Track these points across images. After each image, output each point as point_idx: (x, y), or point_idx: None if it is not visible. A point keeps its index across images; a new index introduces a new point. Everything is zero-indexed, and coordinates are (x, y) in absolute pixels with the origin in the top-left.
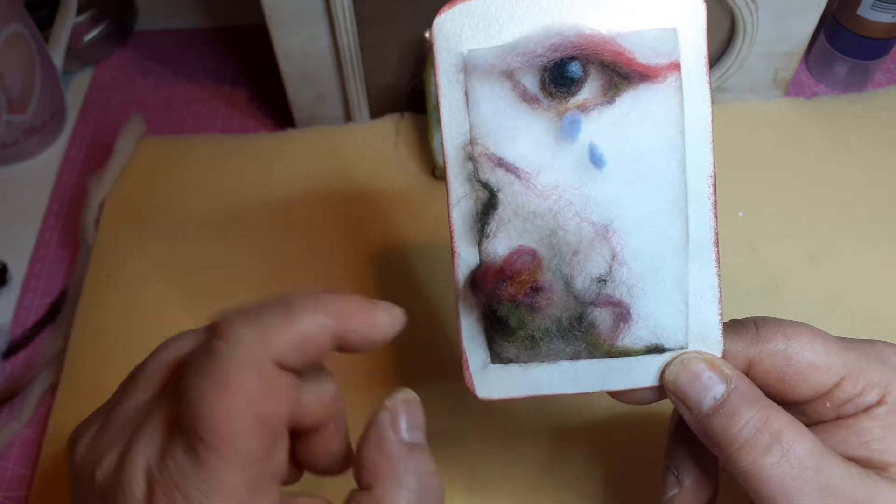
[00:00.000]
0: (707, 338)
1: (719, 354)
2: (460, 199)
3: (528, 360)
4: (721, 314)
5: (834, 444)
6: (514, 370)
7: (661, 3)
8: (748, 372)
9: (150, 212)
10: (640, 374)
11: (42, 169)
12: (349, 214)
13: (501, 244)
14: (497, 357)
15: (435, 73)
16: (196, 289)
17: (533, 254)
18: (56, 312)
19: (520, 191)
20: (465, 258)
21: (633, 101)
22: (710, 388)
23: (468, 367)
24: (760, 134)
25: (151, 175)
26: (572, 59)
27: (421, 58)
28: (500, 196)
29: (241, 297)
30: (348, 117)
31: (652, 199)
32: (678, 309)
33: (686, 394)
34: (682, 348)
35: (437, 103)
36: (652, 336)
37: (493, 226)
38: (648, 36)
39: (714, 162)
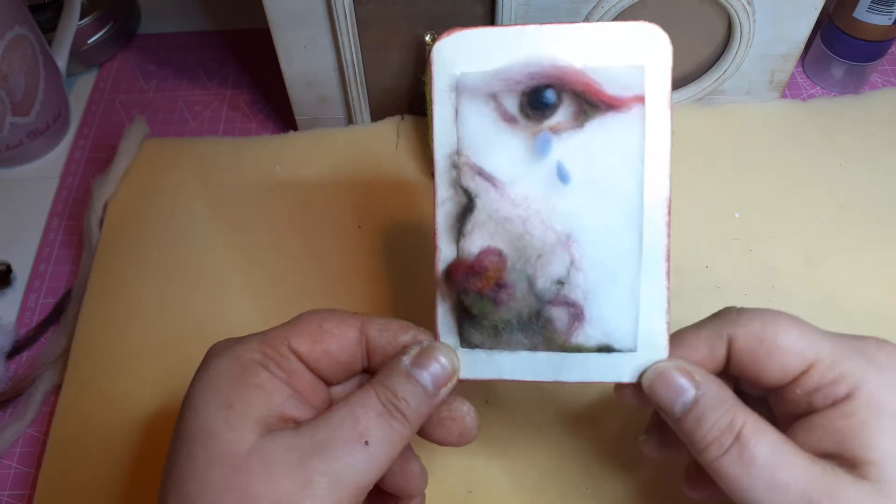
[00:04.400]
0: (654, 344)
1: (664, 358)
2: (444, 201)
3: (491, 347)
4: (668, 323)
5: (812, 440)
6: (479, 355)
7: (631, 42)
8: (728, 350)
9: (153, 213)
10: (592, 370)
11: (46, 170)
12: (350, 215)
13: (475, 243)
14: (465, 342)
15: (431, 90)
16: (198, 289)
17: (499, 254)
18: (60, 313)
19: (495, 198)
20: (445, 253)
21: (599, 127)
22: (681, 393)
23: None
24: (757, 135)
25: (154, 176)
26: (549, 86)
27: (421, 60)
28: (477, 201)
29: (242, 298)
30: (350, 120)
31: (610, 214)
32: (629, 315)
33: (660, 399)
34: (630, 350)
35: (431, 116)
36: (603, 336)
37: (469, 226)
38: (617, 71)
39: (671, 186)
